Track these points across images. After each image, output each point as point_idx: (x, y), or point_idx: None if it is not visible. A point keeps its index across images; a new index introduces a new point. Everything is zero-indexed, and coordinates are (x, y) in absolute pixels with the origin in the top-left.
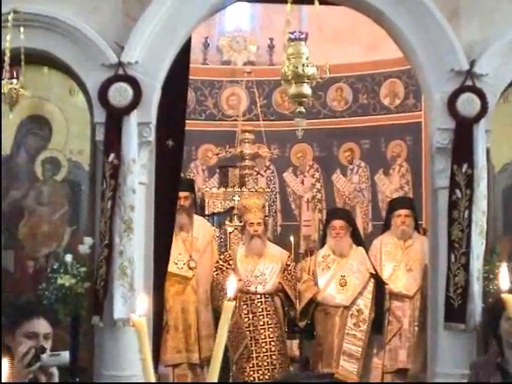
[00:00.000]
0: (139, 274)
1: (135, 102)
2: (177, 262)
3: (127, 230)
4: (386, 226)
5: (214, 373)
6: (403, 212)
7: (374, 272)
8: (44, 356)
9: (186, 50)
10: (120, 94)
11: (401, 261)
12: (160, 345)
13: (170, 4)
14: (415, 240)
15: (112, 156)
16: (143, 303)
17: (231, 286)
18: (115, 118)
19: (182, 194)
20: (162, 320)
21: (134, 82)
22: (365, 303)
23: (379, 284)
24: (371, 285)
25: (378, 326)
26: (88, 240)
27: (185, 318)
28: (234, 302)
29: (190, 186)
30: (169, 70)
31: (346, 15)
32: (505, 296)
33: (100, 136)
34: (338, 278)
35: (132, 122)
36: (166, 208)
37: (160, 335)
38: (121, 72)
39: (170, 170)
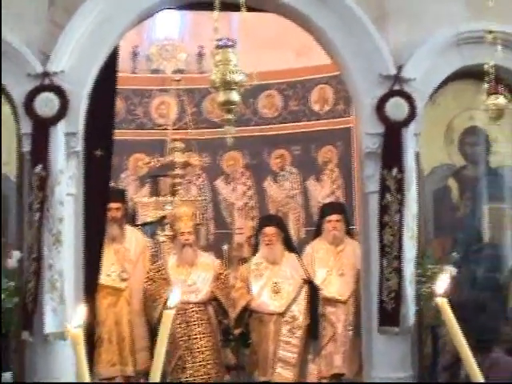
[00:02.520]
0: (69, 286)
1: (62, 111)
2: (109, 274)
3: (56, 242)
4: (318, 232)
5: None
6: (334, 217)
7: (307, 278)
8: None
9: (113, 58)
10: (46, 104)
11: (333, 266)
12: (93, 358)
13: (97, 12)
14: (347, 245)
15: (39, 167)
16: (80, 315)
17: (173, 295)
18: (42, 129)
19: (113, 204)
20: (94, 333)
21: (60, 92)
22: (299, 309)
23: (313, 290)
24: (305, 291)
25: (313, 331)
26: (16, 254)
27: (118, 330)
28: (173, 311)
29: (121, 196)
30: (96, 79)
31: (276, 22)
32: (439, 300)
33: (27, 147)
34: (271, 285)
35: (59, 132)
36: (95, 219)
37: (92, 348)
38: (47, 82)
39: (99, 180)
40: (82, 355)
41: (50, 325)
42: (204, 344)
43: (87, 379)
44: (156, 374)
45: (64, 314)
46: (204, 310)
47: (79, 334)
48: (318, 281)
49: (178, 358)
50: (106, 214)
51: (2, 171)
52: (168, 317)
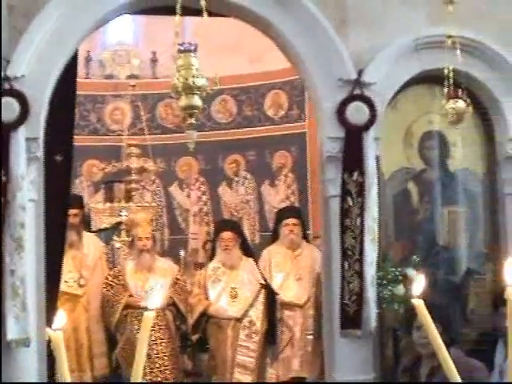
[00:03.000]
0: (31, 292)
1: (23, 116)
2: (67, 280)
3: (18, 248)
4: (275, 237)
5: None
6: (291, 221)
7: (264, 283)
8: None
9: (72, 63)
10: (6, 108)
11: (290, 270)
12: (54, 366)
13: (57, 17)
14: (304, 249)
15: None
16: (60, 318)
17: (152, 298)
18: (2, 134)
19: (71, 211)
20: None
21: (20, 97)
22: (256, 314)
23: (270, 294)
24: (262, 296)
25: (270, 336)
26: None
27: (76, 336)
28: (153, 313)
29: (79, 202)
30: (56, 84)
31: (230, 27)
32: (415, 301)
33: None
34: (228, 291)
35: (20, 138)
36: (56, 225)
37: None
38: (7, 86)
39: (59, 185)
40: (63, 358)
41: (12, 331)
42: (162, 349)
43: (69, 381)
44: (137, 379)
45: (26, 320)
46: (162, 316)
47: (60, 337)
48: (275, 285)
49: None
50: (66, 219)
51: None
52: (148, 320)
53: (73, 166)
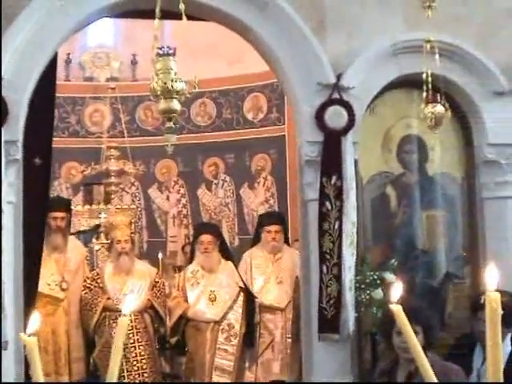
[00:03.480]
0: (9, 296)
1: (1, 119)
2: (49, 283)
3: None
4: (256, 240)
5: None
6: (274, 228)
7: (243, 286)
8: None
9: (52, 65)
10: None
11: (271, 274)
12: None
13: (37, 20)
14: (284, 252)
15: None
16: (34, 322)
17: (127, 302)
18: None
19: (58, 214)
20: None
21: None
22: (235, 317)
23: (249, 298)
24: (241, 299)
25: (249, 339)
26: None
27: (55, 340)
28: (128, 318)
29: (66, 206)
30: (35, 87)
31: (209, 30)
32: (393, 307)
33: None
34: (207, 293)
35: None
36: (34, 227)
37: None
38: None
39: (38, 188)
40: (37, 362)
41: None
42: (141, 352)
43: None
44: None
45: (4, 323)
46: (140, 319)
47: (34, 342)
48: (255, 288)
49: None
50: (45, 222)
51: None
52: (123, 325)
53: (51, 169)
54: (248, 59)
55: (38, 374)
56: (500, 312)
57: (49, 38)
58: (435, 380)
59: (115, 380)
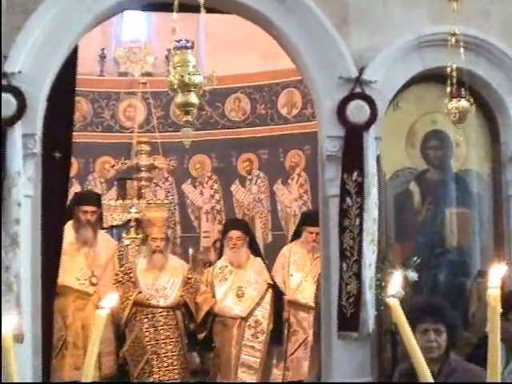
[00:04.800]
0: (26, 289)
1: (19, 113)
2: (79, 278)
3: (13, 244)
4: (296, 236)
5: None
6: (315, 230)
7: (271, 282)
8: None
9: (72, 60)
10: (3, 104)
11: (309, 272)
12: (50, 363)
13: (54, 13)
14: None
15: None
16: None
17: (109, 298)
18: None
19: (89, 208)
20: (52, 337)
21: (17, 93)
22: (262, 314)
23: (278, 294)
24: (269, 295)
25: (276, 336)
26: None
27: (85, 334)
28: (106, 311)
29: (97, 200)
30: (55, 81)
31: (243, 24)
32: (390, 301)
33: None
34: (235, 289)
35: (16, 134)
36: (54, 221)
37: (49, 352)
38: (4, 82)
39: (58, 182)
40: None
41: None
42: (171, 349)
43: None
44: (88, 375)
45: (20, 316)
46: (172, 315)
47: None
48: (291, 285)
49: (145, 361)
50: (64, 216)
51: None
52: (100, 318)
53: (71, 163)
54: (283, 54)
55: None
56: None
57: (66, 32)
58: (432, 380)
59: (91, 374)
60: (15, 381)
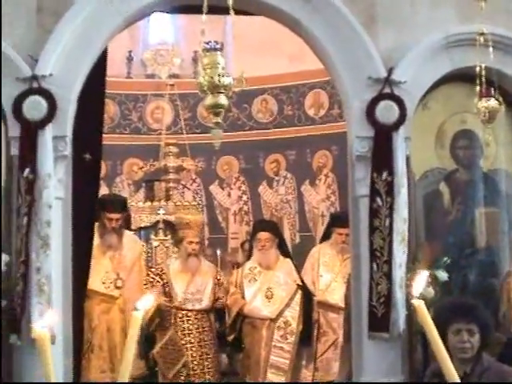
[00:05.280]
0: (57, 290)
1: (50, 115)
2: (104, 281)
3: (44, 246)
4: (326, 237)
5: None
6: (345, 231)
7: (301, 283)
8: None
9: (102, 62)
10: (34, 107)
11: (338, 273)
12: (81, 363)
13: (85, 15)
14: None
15: (27, 171)
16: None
17: (145, 299)
18: (30, 132)
19: (114, 216)
20: (83, 338)
21: (48, 95)
22: (292, 315)
23: (307, 295)
24: (298, 296)
25: (306, 337)
26: (4, 257)
27: (110, 337)
28: (141, 313)
29: (122, 205)
30: (85, 83)
31: (269, 26)
32: (415, 302)
33: (15, 151)
34: (264, 291)
35: (47, 136)
36: (84, 223)
37: (80, 354)
38: (35, 85)
39: (88, 183)
40: (48, 355)
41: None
42: (206, 352)
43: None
44: (125, 375)
45: (51, 317)
46: (206, 318)
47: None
48: (320, 286)
49: (182, 364)
50: (94, 217)
51: None
52: (136, 320)
53: (101, 165)
54: (309, 55)
55: (50, 370)
56: None
57: (96, 35)
58: (455, 372)
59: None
60: (53, 381)
